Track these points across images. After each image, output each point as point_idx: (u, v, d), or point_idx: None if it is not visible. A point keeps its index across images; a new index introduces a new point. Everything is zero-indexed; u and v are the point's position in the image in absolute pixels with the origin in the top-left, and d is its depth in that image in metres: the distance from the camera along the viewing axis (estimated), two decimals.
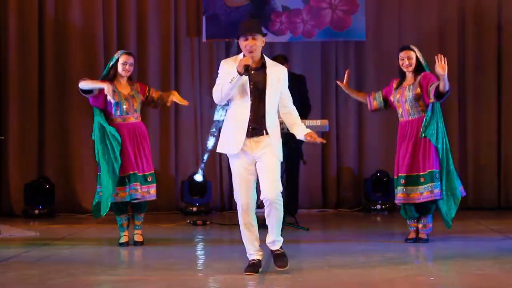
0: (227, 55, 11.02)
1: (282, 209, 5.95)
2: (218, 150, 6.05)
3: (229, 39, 10.89)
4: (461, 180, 10.78)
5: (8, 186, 10.75)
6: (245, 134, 5.85)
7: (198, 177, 10.58)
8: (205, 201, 10.65)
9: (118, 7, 10.91)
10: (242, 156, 5.90)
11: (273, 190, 5.83)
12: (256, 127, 5.88)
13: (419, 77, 7.57)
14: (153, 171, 7.68)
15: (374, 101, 7.81)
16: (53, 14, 10.84)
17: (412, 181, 7.50)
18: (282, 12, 10.80)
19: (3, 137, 10.43)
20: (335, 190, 11.06)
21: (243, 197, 5.92)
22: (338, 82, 7.85)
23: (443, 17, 10.97)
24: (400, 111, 7.64)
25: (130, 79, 7.75)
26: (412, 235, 7.66)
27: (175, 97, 7.70)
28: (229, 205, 10.97)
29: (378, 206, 10.52)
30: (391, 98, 7.70)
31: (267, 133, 5.89)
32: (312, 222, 9.42)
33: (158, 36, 10.95)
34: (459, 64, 10.92)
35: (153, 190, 7.62)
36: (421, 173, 7.50)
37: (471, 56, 10.92)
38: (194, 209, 10.50)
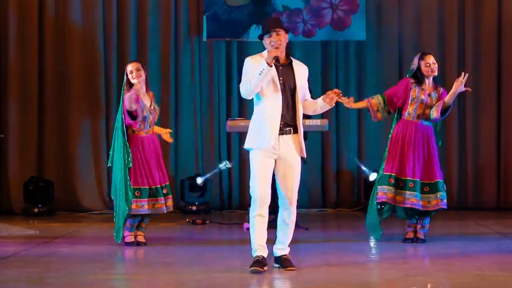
0: (228, 55, 11.03)
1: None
2: (248, 146, 6.05)
3: (229, 38, 10.89)
4: (460, 181, 10.90)
5: (7, 185, 10.74)
6: (279, 128, 5.93)
7: (199, 180, 10.54)
8: (205, 200, 10.65)
9: (118, 7, 10.91)
10: (268, 150, 5.96)
11: (295, 194, 6.03)
12: (288, 123, 5.98)
13: (440, 90, 7.57)
14: (168, 183, 7.69)
15: (378, 113, 7.67)
16: (53, 14, 10.84)
17: (431, 188, 7.49)
18: (283, 12, 10.80)
19: (2, 135, 10.43)
20: (335, 189, 11.07)
21: (262, 189, 5.94)
22: (342, 102, 7.39)
23: (443, 17, 10.97)
24: (419, 111, 7.53)
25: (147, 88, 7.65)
26: (410, 235, 7.65)
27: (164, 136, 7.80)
28: (229, 204, 10.97)
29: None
30: (411, 94, 7.52)
31: (296, 131, 6.01)
32: (311, 221, 9.42)
33: (158, 36, 10.95)
34: (459, 64, 10.93)
35: (169, 202, 7.62)
36: (433, 181, 7.51)
37: (471, 56, 10.93)
38: (194, 208, 10.50)
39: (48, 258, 6.94)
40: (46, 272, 6.19)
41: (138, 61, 7.68)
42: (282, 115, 5.94)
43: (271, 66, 5.84)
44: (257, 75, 5.84)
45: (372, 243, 7.72)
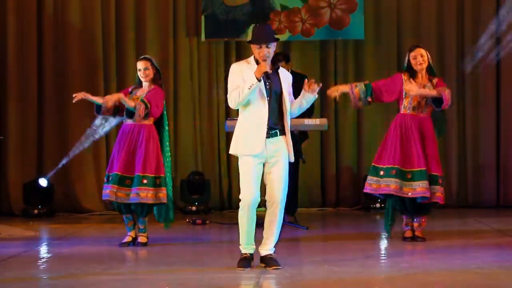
0: (226, 54, 11.03)
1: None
2: (234, 152, 6.18)
3: (228, 38, 10.89)
4: (460, 179, 10.90)
5: (7, 186, 10.74)
6: (265, 135, 6.06)
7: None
8: (205, 200, 10.64)
9: (117, 7, 10.90)
10: (256, 155, 6.09)
11: (281, 194, 6.12)
12: (274, 127, 6.11)
13: (434, 81, 7.57)
14: (138, 174, 7.41)
15: (360, 102, 7.58)
16: (52, 14, 10.83)
17: (419, 176, 7.42)
18: (281, 11, 10.80)
19: (2, 137, 10.42)
20: (335, 188, 11.06)
21: (250, 193, 6.07)
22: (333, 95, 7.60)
23: (442, 16, 10.98)
24: (414, 103, 7.53)
25: (160, 82, 7.66)
26: (409, 233, 7.64)
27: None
28: (229, 204, 10.96)
29: (378, 205, 10.50)
30: (404, 88, 7.53)
31: (284, 134, 6.15)
32: (311, 221, 9.43)
33: (157, 36, 10.94)
34: (458, 62, 10.92)
35: (132, 194, 7.37)
36: (433, 173, 7.47)
37: (470, 54, 10.92)
38: (194, 208, 10.50)
39: (48, 259, 6.94)
40: (47, 273, 6.20)
41: (146, 59, 7.62)
42: (269, 121, 6.07)
43: (260, 81, 5.98)
44: (246, 90, 5.98)
45: (372, 242, 7.72)
